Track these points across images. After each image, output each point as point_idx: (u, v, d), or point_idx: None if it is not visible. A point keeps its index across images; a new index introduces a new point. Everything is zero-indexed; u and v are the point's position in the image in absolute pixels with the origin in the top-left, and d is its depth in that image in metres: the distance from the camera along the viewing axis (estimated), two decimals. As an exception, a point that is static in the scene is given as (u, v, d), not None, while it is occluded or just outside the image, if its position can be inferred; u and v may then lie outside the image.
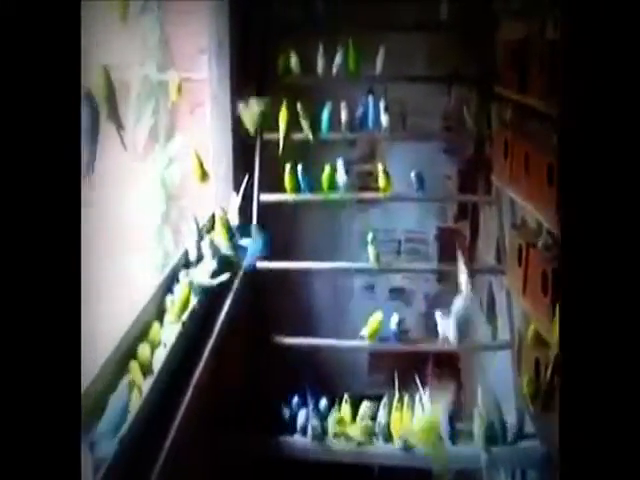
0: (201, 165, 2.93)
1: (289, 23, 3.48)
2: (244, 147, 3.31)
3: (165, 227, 3.57)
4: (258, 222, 3.14)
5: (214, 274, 2.66)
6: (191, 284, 2.51)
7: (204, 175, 2.94)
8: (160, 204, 3.56)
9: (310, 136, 3.25)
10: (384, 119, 3.19)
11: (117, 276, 3.67)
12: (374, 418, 2.69)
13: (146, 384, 2.04)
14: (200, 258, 2.82)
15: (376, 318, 2.87)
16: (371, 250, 2.95)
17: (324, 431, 2.67)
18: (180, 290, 2.51)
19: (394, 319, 2.87)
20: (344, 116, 3.23)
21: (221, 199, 3.17)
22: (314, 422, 2.68)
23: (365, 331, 2.87)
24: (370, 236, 2.93)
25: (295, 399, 2.75)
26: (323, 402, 2.77)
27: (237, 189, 3.17)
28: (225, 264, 2.78)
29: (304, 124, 3.26)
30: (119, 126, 2.09)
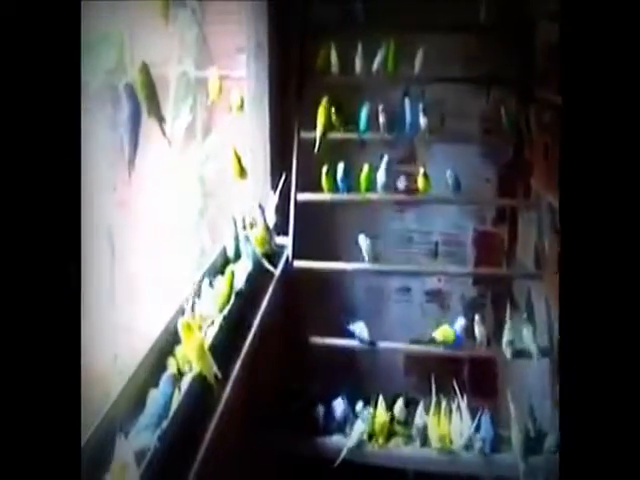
0: (239, 162, 2.93)
1: (328, 23, 3.47)
2: (282, 145, 3.30)
3: (201, 223, 3.58)
4: (295, 221, 3.13)
5: (249, 276, 2.66)
6: (231, 281, 2.51)
7: (242, 172, 2.94)
8: (196, 200, 3.57)
9: (348, 135, 3.24)
10: (422, 121, 3.17)
11: (154, 272, 3.71)
12: (410, 421, 2.67)
13: (185, 380, 2.04)
14: (238, 256, 2.82)
15: (446, 329, 2.85)
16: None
17: (359, 433, 2.65)
18: (220, 287, 2.51)
19: (460, 323, 2.86)
20: (382, 117, 3.21)
21: (259, 197, 3.16)
22: (349, 423, 2.67)
23: (436, 334, 2.86)
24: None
25: (331, 400, 2.73)
26: (359, 403, 2.76)
27: (274, 187, 3.17)
28: (260, 266, 2.78)
29: (342, 123, 3.25)
30: (161, 120, 2.10)
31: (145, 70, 2.03)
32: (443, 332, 2.85)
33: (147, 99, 2.02)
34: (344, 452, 2.58)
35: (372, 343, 2.89)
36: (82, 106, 3.41)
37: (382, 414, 2.70)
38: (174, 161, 3.58)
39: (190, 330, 2.10)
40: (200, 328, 2.32)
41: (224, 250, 2.87)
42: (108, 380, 3.94)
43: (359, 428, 2.66)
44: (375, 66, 3.29)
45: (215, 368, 2.05)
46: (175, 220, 3.64)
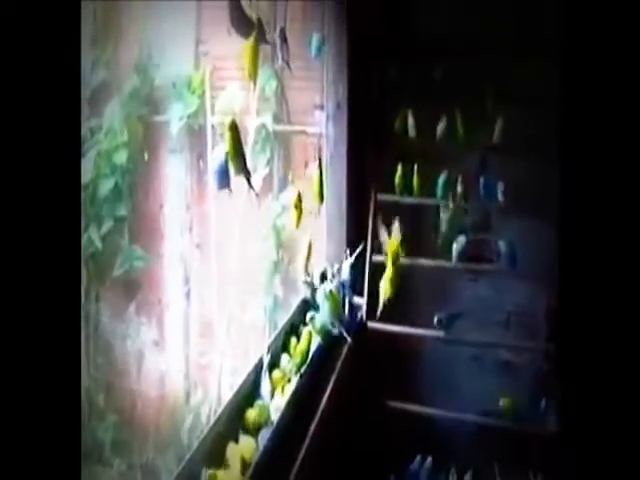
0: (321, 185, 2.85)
1: (407, 86, 3.50)
2: (359, 206, 3.35)
3: (275, 274, 3.66)
4: (370, 282, 3.16)
5: (325, 335, 2.69)
6: (309, 340, 2.55)
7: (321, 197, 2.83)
8: (271, 251, 3.65)
9: (424, 201, 3.29)
10: (499, 191, 3.20)
11: (227, 316, 3.79)
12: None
13: (263, 434, 2.08)
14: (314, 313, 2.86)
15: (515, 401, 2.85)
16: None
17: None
18: (298, 345, 2.56)
19: (530, 397, 2.86)
20: (460, 184, 3.26)
21: (334, 255, 3.21)
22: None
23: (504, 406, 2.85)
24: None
25: (404, 464, 2.73)
26: (430, 466, 2.74)
27: (349, 244, 3.22)
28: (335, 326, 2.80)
29: (419, 188, 3.30)
30: (248, 175, 2.18)
31: (234, 128, 2.12)
32: (511, 404, 2.84)
33: (234, 156, 2.11)
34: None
35: (441, 412, 2.89)
36: (164, 147, 3.52)
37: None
38: (250, 211, 3.68)
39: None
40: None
41: (301, 305, 2.91)
42: (178, 414, 4.03)
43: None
44: (450, 132, 3.33)
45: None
46: (250, 268, 3.73)
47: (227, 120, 2.13)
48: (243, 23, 2.38)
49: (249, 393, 2.31)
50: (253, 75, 2.35)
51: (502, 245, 3.15)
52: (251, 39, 2.24)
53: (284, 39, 2.52)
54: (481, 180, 3.23)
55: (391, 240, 2.73)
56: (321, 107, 3.64)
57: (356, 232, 3.28)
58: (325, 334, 2.68)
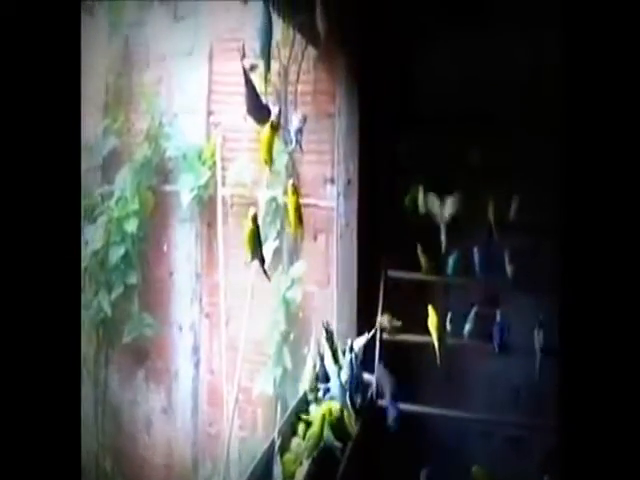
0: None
1: (418, 164, 3.53)
2: (368, 282, 3.40)
3: (284, 346, 3.70)
4: (380, 360, 3.21)
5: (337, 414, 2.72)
6: (322, 420, 2.59)
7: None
8: (281, 323, 3.69)
9: (433, 278, 3.35)
10: (509, 268, 3.26)
11: (235, 386, 3.82)
12: None
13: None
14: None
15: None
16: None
17: None
18: (310, 427, 2.59)
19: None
20: (471, 261, 3.31)
21: (344, 331, 3.25)
22: None
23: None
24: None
25: None
26: None
27: (360, 320, 3.26)
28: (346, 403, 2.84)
29: (430, 267, 3.35)
30: (262, 262, 2.27)
31: (255, 220, 2.20)
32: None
33: (251, 245, 2.19)
34: None
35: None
36: (175, 216, 3.58)
37: None
38: (260, 282, 3.73)
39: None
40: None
41: (314, 379, 2.94)
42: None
43: None
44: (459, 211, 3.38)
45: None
46: (259, 339, 3.78)
47: (250, 213, 2.22)
48: (259, 111, 2.47)
49: (261, 476, 2.35)
50: (269, 162, 2.43)
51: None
52: (267, 128, 2.32)
53: (300, 131, 2.58)
54: (488, 256, 3.28)
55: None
56: (332, 181, 3.71)
57: (367, 308, 3.33)
58: (336, 413, 2.72)
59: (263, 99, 2.42)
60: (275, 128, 2.37)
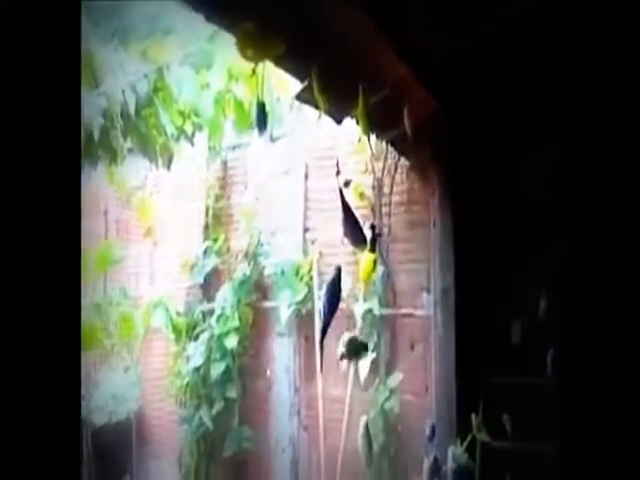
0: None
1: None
2: (468, 388, 3.35)
3: (384, 459, 3.65)
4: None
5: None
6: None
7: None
8: (379, 435, 3.66)
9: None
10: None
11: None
12: None
13: None
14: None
15: None
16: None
17: None
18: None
19: None
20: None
21: (443, 439, 3.20)
22: None
23: None
24: None
25: None
26: None
27: (460, 429, 3.20)
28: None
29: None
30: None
31: None
32: None
33: None
34: None
35: None
36: (273, 330, 3.67)
37: None
38: (358, 393, 3.74)
39: None
40: None
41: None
42: None
43: None
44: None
45: None
46: (357, 453, 3.74)
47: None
48: (356, 235, 2.58)
49: None
50: (368, 284, 2.52)
51: None
52: (367, 255, 2.40)
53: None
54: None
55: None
56: (427, 290, 3.73)
57: (466, 416, 3.27)
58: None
59: (360, 222, 2.54)
60: (372, 251, 2.47)
